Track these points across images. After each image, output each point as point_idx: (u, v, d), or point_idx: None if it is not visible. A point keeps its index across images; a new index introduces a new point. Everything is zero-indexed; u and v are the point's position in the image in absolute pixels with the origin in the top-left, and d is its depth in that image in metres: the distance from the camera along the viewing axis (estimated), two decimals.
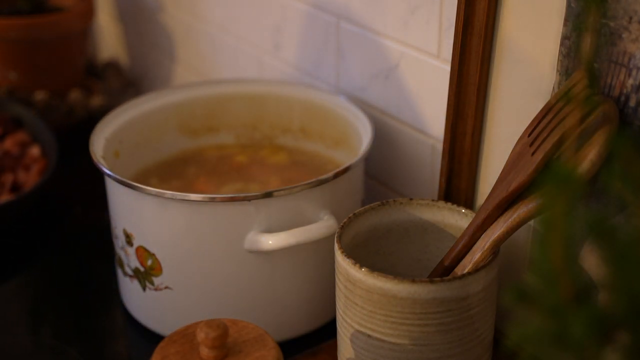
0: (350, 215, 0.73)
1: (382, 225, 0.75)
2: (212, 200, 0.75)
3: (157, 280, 0.80)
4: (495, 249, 0.66)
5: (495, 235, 0.65)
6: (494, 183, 0.66)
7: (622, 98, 0.61)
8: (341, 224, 0.72)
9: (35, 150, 1.09)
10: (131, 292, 0.84)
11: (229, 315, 0.75)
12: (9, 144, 1.10)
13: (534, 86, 0.71)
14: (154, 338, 0.81)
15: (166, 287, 0.80)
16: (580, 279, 0.40)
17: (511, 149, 0.66)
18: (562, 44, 0.66)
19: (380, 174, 0.94)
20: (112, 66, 1.34)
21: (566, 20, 0.65)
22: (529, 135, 0.65)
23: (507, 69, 0.73)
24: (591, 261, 0.53)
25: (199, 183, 0.91)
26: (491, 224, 0.66)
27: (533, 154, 0.63)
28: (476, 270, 0.65)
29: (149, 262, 0.80)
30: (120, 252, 0.83)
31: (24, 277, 0.96)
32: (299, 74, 1.01)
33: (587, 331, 0.39)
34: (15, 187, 1.04)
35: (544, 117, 0.64)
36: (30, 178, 1.05)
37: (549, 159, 0.63)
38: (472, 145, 0.77)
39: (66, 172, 1.13)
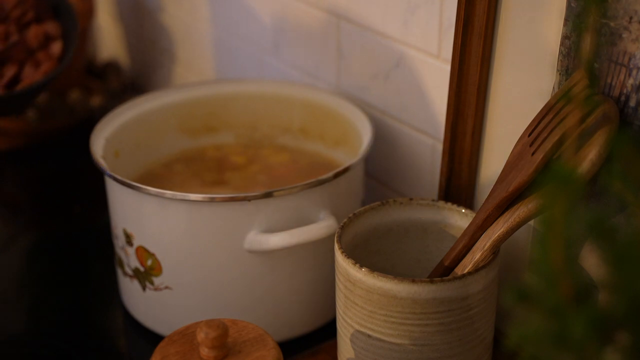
0: (350, 215, 0.73)
1: (382, 225, 0.75)
2: (212, 200, 0.75)
3: (157, 280, 0.80)
4: (495, 249, 0.66)
5: (495, 235, 0.65)
6: (494, 183, 0.66)
7: (622, 98, 0.61)
8: (341, 224, 0.72)
9: (56, 48, 0.97)
10: (131, 292, 0.84)
11: (229, 315, 0.75)
12: (33, 32, 0.97)
13: (534, 86, 0.71)
14: (154, 338, 0.82)
15: (166, 287, 0.80)
16: (580, 279, 0.40)
17: (511, 149, 0.66)
18: (562, 44, 0.66)
19: (380, 174, 0.94)
20: (112, 66, 1.34)
21: (566, 20, 0.65)
22: (529, 135, 0.65)
23: (507, 69, 0.73)
24: (591, 261, 0.53)
25: (199, 183, 0.91)
26: (491, 224, 0.66)
27: (533, 154, 0.63)
28: (476, 270, 0.65)
29: (149, 262, 0.80)
30: (120, 252, 0.83)
31: (24, 277, 0.96)
32: (299, 74, 1.01)
33: (587, 331, 0.39)
34: (14, 82, 0.95)
35: (544, 117, 0.64)
36: (35, 77, 0.94)
37: (549, 159, 0.63)
38: (472, 145, 0.77)
39: (66, 172, 1.13)
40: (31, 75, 0.95)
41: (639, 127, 0.61)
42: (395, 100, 0.88)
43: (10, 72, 0.94)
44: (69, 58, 0.97)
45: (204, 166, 0.94)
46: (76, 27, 0.99)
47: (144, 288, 0.82)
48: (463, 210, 0.74)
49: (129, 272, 0.83)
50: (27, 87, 0.92)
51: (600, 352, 0.40)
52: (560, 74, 0.66)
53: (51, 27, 1.00)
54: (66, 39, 0.99)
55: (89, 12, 1.25)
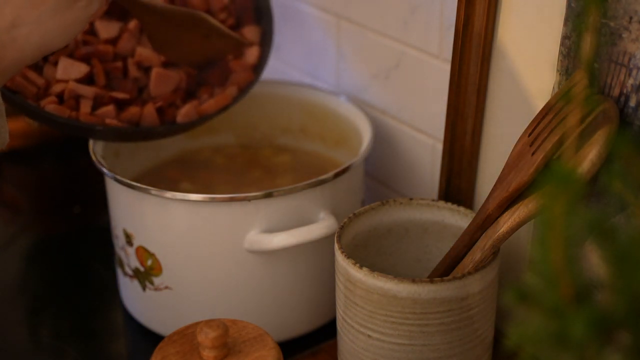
0: (350, 215, 0.73)
1: (382, 225, 0.75)
2: (212, 200, 0.75)
3: (157, 280, 0.80)
4: (495, 249, 0.66)
5: (495, 235, 0.65)
6: (494, 183, 0.66)
7: (622, 98, 0.61)
8: (341, 224, 0.72)
9: (252, 55, 0.88)
10: (131, 292, 0.84)
11: (229, 315, 0.75)
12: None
13: (534, 86, 0.71)
14: (154, 338, 0.81)
15: (166, 287, 0.80)
16: (580, 279, 0.40)
17: (511, 149, 0.66)
18: (562, 44, 0.66)
19: (380, 174, 0.94)
20: None
21: (566, 20, 0.65)
22: (529, 135, 0.65)
23: (507, 69, 0.73)
24: (591, 261, 0.53)
25: (200, 183, 0.91)
26: (491, 224, 0.66)
27: (533, 154, 0.63)
28: (476, 270, 0.65)
29: (149, 262, 0.80)
30: (120, 252, 0.83)
31: (24, 276, 0.96)
32: (299, 74, 1.01)
33: (587, 331, 0.39)
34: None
35: (544, 117, 0.64)
36: (227, 92, 0.85)
37: (549, 159, 0.63)
38: (472, 145, 0.77)
39: (66, 172, 1.13)
40: (222, 90, 0.86)
41: (639, 127, 0.61)
42: (395, 100, 0.88)
43: (206, 95, 0.86)
44: (262, 68, 0.89)
45: (204, 166, 0.94)
46: (272, 32, 0.91)
47: (144, 288, 0.82)
48: (463, 210, 0.74)
49: (129, 272, 0.83)
50: (214, 111, 0.84)
51: (600, 352, 0.40)
52: (560, 74, 0.66)
53: (250, 31, 0.90)
54: (262, 45, 0.90)
55: None
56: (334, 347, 0.74)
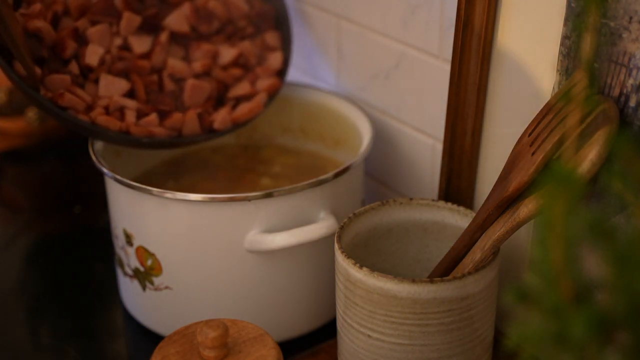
0: (350, 215, 0.73)
1: (382, 225, 0.75)
2: (212, 200, 0.75)
3: (157, 280, 0.80)
4: (495, 249, 0.66)
5: (495, 235, 0.65)
6: (494, 183, 0.66)
7: (622, 98, 0.61)
8: (341, 224, 0.72)
9: (275, 60, 0.91)
10: (131, 292, 0.84)
11: (229, 315, 0.75)
12: (248, 46, 0.90)
13: (534, 86, 0.71)
14: (154, 338, 0.82)
15: (166, 287, 0.80)
16: (580, 279, 0.40)
17: (511, 149, 0.66)
18: (562, 44, 0.66)
19: (380, 174, 0.94)
20: None
21: (566, 20, 0.65)
22: (529, 135, 0.65)
23: (507, 69, 0.73)
24: (591, 261, 0.53)
25: (200, 183, 0.91)
26: (491, 224, 0.66)
27: (533, 154, 0.63)
28: (476, 270, 0.65)
29: (149, 262, 0.80)
30: (120, 252, 0.83)
31: (24, 276, 0.96)
32: (299, 74, 1.01)
33: (587, 331, 0.39)
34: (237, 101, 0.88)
35: (544, 117, 0.64)
36: (256, 98, 0.87)
37: (549, 159, 0.63)
38: (472, 145, 0.77)
39: (66, 172, 1.13)
40: (248, 98, 0.88)
41: (639, 127, 0.61)
42: (395, 100, 0.88)
43: (233, 102, 0.88)
44: (286, 72, 0.91)
45: (204, 166, 0.94)
46: (292, 37, 0.93)
47: (144, 288, 0.82)
48: (463, 210, 0.74)
49: (129, 272, 0.83)
50: (247, 118, 0.86)
51: (600, 352, 0.40)
52: (560, 74, 0.66)
53: (270, 37, 0.92)
54: (284, 49, 0.92)
55: None
56: (334, 347, 0.74)
